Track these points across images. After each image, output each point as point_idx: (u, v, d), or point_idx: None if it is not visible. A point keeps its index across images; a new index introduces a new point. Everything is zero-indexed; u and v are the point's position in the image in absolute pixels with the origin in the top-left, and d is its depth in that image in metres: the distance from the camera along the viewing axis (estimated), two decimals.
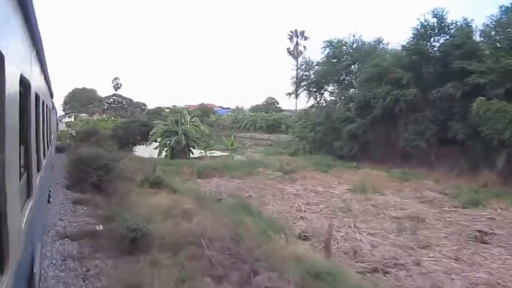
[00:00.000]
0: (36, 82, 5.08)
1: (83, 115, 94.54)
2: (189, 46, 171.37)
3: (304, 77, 40.23)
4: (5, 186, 2.18)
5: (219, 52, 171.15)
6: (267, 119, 75.75)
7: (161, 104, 75.83)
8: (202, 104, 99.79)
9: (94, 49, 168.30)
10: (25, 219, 3.32)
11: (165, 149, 34.78)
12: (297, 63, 59.07)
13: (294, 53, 67.87)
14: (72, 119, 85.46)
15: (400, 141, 28.94)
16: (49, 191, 10.44)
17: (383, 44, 35.93)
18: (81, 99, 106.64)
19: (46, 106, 8.71)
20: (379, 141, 30.72)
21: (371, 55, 32.92)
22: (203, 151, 36.58)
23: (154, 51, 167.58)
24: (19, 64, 3.03)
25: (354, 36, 36.52)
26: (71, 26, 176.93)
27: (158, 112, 65.19)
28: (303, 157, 33.09)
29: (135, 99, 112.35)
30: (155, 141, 36.01)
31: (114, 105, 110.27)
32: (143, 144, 37.12)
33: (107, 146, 27.08)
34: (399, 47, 32.16)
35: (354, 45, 36.48)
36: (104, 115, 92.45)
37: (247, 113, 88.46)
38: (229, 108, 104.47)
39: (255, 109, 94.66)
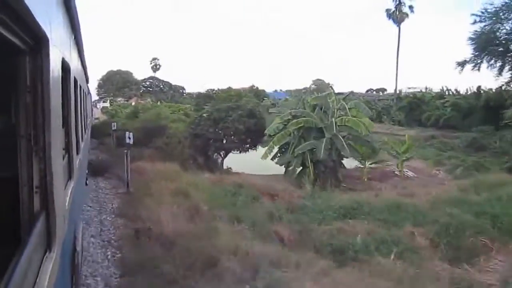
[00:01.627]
0: (75, 67, 5.20)
1: (119, 99, 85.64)
2: (223, 27, 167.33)
3: (491, 36, 25.14)
4: (51, 166, 2.24)
5: (255, 35, 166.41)
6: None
7: (200, 88, 67.50)
8: (252, 86, 80.00)
9: (130, 28, 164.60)
10: (67, 199, 3.44)
11: (296, 162, 22.25)
12: (399, 29, 50.64)
13: (396, 16, 52.53)
14: (108, 104, 77.03)
15: None
16: (86, 173, 10.84)
17: None
18: (116, 82, 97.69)
19: (83, 90, 8.96)
20: None
21: None
22: (360, 163, 23.58)
23: (190, 32, 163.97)
24: (61, 48, 3.08)
25: None
26: (104, 3, 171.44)
27: (209, 96, 54.44)
28: None
29: (172, 82, 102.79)
30: (270, 146, 22.87)
31: (151, 89, 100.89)
32: (241, 150, 25.68)
33: (185, 159, 20.91)
34: None
35: None
36: (148, 99, 78.89)
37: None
38: (280, 91, 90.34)
39: (306, 93, 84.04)
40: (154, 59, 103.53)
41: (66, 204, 3.22)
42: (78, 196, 5.35)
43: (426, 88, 58.99)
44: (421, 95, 50.84)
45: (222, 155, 26.24)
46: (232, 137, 25.51)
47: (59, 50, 2.83)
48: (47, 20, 2.19)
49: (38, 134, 2.19)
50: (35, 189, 2.19)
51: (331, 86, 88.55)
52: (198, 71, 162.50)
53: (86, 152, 11.19)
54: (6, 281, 1.49)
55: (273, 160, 23.75)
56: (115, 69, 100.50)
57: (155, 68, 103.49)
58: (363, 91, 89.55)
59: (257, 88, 79.45)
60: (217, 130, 25.45)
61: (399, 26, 52.19)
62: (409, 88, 69.90)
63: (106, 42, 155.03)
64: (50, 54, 2.25)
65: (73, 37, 4.74)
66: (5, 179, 2.88)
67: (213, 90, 66.11)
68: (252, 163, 24.31)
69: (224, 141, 25.44)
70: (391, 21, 52.87)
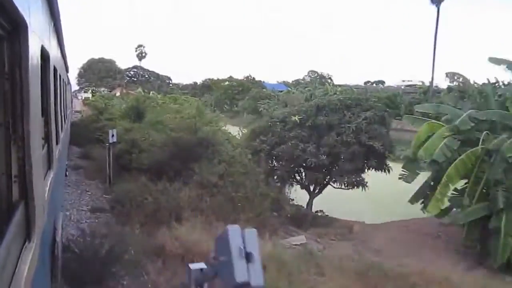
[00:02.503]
0: (54, 55, 5.09)
1: (102, 89, 77.84)
2: (214, 16, 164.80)
3: None
4: (30, 155, 2.21)
5: (246, 26, 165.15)
6: (380, 96, 49.13)
7: (189, 79, 59.23)
8: (249, 77, 70.10)
9: (113, 12, 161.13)
10: (47, 189, 3.39)
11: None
12: (438, 10, 46.80)
13: None
14: (89, 94, 68.53)
15: None
16: (66, 164, 10.66)
17: None
18: (98, 71, 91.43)
19: (63, 80, 8.77)
20: None
21: None
22: None
23: (177, 21, 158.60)
24: (40, 35, 3.01)
25: None
26: None
27: (208, 87, 49.01)
28: None
29: (157, 72, 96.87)
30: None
31: (135, 78, 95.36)
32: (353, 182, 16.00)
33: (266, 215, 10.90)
34: None
35: None
36: (139, 89, 66.89)
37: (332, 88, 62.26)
38: (277, 83, 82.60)
39: (303, 85, 75.52)
40: (139, 46, 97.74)
41: (46, 194, 3.18)
42: (57, 186, 5.27)
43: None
44: (466, 87, 44.41)
45: (312, 189, 16.56)
46: (342, 159, 15.86)
47: (38, 37, 2.77)
48: (26, 5, 2.14)
49: (16, 122, 2.15)
50: (14, 178, 2.16)
51: (330, 78, 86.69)
52: (183, 62, 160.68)
53: (66, 143, 10.98)
54: None
55: (442, 216, 14.05)
56: (96, 57, 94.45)
57: (141, 56, 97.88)
58: (361, 83, 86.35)
59: (253, 78, 68.60)
60: (319, 147, 15.72)
61: (438, 6, 48.65)
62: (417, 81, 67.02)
63: (87, 27, 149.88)
64: (29, 40, 2.20)
65: (53, 24, 4.63)
66: None
67: (212, 79, 59.02)
68: (345, 196, 15.01)
69: (330, 166, 15.74)
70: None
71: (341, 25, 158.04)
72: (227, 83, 41.13)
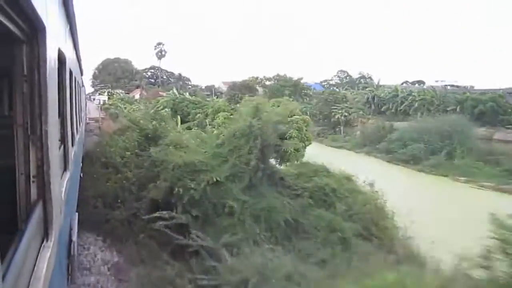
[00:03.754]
0: (70, 58, 5.17)
1: (119, 91, 68.74)
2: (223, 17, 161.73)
3: None
4: (48, 156, 2.24)
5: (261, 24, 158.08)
6: (478, 99, 42.07)
7: (208, 81, 51.72)
8: (278, 75, 62.92)
9: (129, 11, 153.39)
10: (63, 189, 3.44)
11: None
12: None
13: None
14: (105, 97, 58.46)
15: None
16: (81, 165, 10.79)
17: None
18: (113, 72, 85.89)
19: (78, 82, 8.91)
20: None
21: None
22: None
23: (193, 22, 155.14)
24: (57, 38, 3.07)
25: None
26: None
27: (247, 87, 41.49)
28: None
29: (175, 72, 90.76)
30: None
31: (153, 80, 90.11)
32: None
33: None
34: None
35: None
36: (173, 90, 51.68)
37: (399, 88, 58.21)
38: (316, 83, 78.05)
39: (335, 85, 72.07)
40: (159, 44, 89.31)
41: (62, 194, 3.23)
42: (73, 187, 5.35)
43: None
44: None
45: None
46: None
47: (55, 40, 2.82)
48: (44, 9, 2.19)
49: (35, 123, 2.19)
50: (32, 178, 2.20)
51: (370, 77, 78.76)
52: (199, 63, 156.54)
53: (81, 145, 11.13)
54: (6, 268, 1.50)
55: None
56: (112, 57, 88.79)
57: (160, 55, 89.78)
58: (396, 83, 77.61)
59: (289, 78, 59.26)
60: None
61: None
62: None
63: (101, 26, 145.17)
64: (47, 43, 2.24)
65: (69, 27, 4.71)
66: (2, 167, 2.89)
67: (255, 78, 49.75)
68: None
69: None
70: None
71: (361, 25, 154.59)
72: (269, 82, 35.68)
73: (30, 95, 2.16)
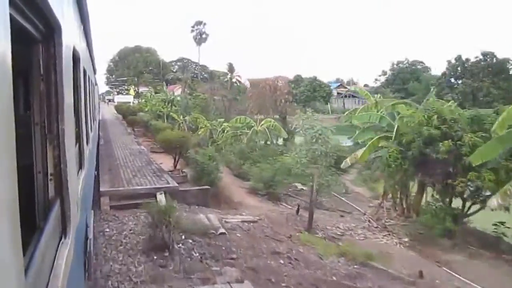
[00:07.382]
0: (83, 56, 5.22)
1: (145, 89, 54.56)
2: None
3: None
4: (65, 154, 2.27)
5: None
6: None
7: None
8: (297, 75, 56.38)
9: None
10: (79, 187, 3.48)
11: None
12: None
13: None
14: (131, 97, 46.31)
15: None
16: (96, 163, 10.93)
17: None
18: (134, 64, 65.82)
19: (91, 81, 9.01)
20: None
21: None
22: None
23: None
24: (72, 37, 3.09)
25: None
26: None
27: (320, 86, 35.61)
28: None
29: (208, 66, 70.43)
30: None
31: (181, 75, 64.46)
32: None
33: None
34: None
35: None
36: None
37: None
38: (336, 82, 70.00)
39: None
40: (198, 23, 64.79)
41: (79, 192, 3.27)
42: (88, 185, 5.41)
43: None
44: None
45: None
46: None
47: (70, 39, 2.84)
48: (60, 8, 2.20)
49: (51, 122, 2.22)
50: (50, 176, 2.22)
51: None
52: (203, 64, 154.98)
53: (95, 143, 11.27)
54: (26, 265, 1.52)
55: None
56: (131, 45, 68.31)
57: (200, 38, 65.77)
58: None
59: (314, 78, 53.61)
60: None
61: None
62: None
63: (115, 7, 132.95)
64: (62, 42, 2.26)
65: (82, 26, 4.75)
66: (20, 166, 2.93)
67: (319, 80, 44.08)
68: None
69: None
70: None
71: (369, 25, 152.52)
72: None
73: (46, 94, 2.18)
